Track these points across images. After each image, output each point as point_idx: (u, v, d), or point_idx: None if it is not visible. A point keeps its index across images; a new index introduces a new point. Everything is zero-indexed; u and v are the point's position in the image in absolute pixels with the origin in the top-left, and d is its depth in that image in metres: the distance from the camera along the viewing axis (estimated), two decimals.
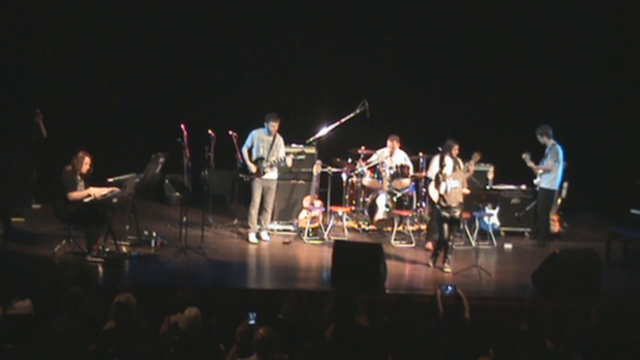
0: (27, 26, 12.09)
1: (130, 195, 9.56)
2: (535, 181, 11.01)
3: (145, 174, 9.75)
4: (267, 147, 10.54)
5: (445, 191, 9.42)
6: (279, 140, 10.62)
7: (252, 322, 5.82)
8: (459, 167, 9.57)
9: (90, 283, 7.20)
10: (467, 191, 9.54)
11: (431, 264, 9.63)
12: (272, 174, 10.59)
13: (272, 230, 10.95)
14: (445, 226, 9.45)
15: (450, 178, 9.44)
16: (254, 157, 10.53)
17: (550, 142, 10.83)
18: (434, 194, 10.47)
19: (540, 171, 10.87)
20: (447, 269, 9.46)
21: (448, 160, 9.58)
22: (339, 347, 5.83)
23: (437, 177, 9.55)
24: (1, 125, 11.63)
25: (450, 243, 9.51)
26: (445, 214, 9.42)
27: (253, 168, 10.47)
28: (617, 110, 12.89)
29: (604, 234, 10.40)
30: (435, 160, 10.56)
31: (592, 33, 13.05)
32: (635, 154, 12.30)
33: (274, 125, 10.49)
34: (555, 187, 10.92)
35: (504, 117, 12.87)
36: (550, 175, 10.81)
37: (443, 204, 9.45)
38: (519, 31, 12.93)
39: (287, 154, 10.69)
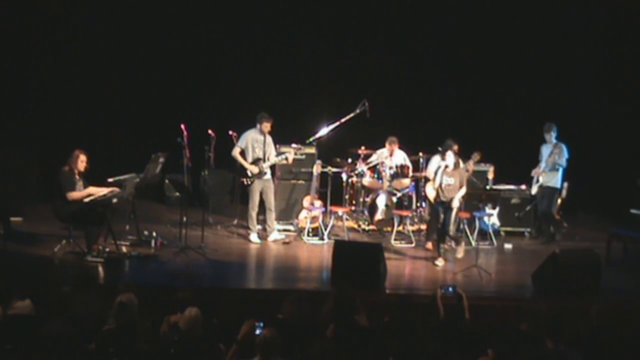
0: (27, 25, 12.08)
1: (130, 195, 9.56)
2: (540, 180, 10.95)
3: (145, 174, 9.75)
4: (262, 147, 10.53)
5: (440, 185, 9.47)
6: (269, 139, 10.61)
7: (258, 332, 5.80)
8: (459, 166, 9.60)
9: (88, 283, 7.19)
10: (463, 190, 9.58)
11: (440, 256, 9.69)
12: (268, 174, 10.61)
13: None
14: (441, 213, 9.58)
15: (447, 174, 9.48)
16: (250, 159, 10.51)
17: (553, 141, 10.84)
18: (430, 194, 10.54)
19: (542, 170, 10.86)
20: (439, 263, 9.56)
21: (450, 155, 9.59)
22: (339, 347, 5.82)
23: (437, 170, 9.59)
24: (1, 125, 11.64)
25: (456, 233, 9.53)
26: (440, 209, 9.58)
27: (255, 169, 10.46)
28: (617, 110, 12.88)
29: (604, 234, 10.38)
30: (435, 160, 10.59)
31: (592, 33, 13.04)
32: (635, 154, 12.29)
33: (267, 126, 10.48)
34: (559, 185, 10.95)
35: (503, 117, 12.86)
36: (556, 174, 10.81)
37: (440, 198, 9.54)
38: (519, 31, 12.91)
39: (281, 153, 10.71)
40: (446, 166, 9.55)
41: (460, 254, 9.54)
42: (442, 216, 9.61)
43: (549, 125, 10.91)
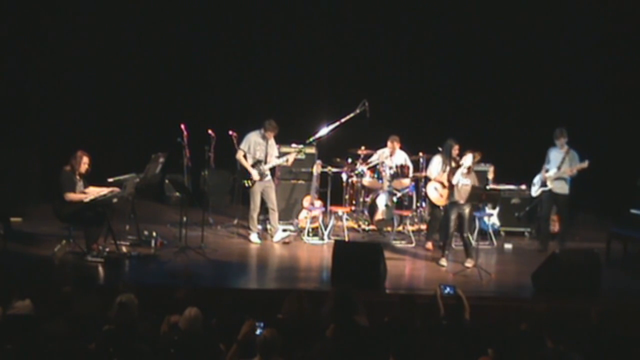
0: (27, 26, 12.08)
1: (130, 195, 9.56)
2: (549, 185, 10.81)
3: (145, 174, 9.75)
4: (263, 151, 10.53)
5: (457, 185, 9.48)
6: (272, 141, 10.63)
7: (258, 332, 5.80)
8: (473, 169, 9.65)
9: (88, 283, 7.20)
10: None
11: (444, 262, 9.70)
12: (268, 175, 10.63)
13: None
14: (452, 221, 9.56)
15: (464, 175, 9.50)
16: (251, 161, 10.51)
17: (566, 146, 10.71)
18: (432, 194, 10.53)
19: (552, 175, 10.72)
20: (443, 263, 9.60)
21: (469, 157, 9.59)
22: (339, 347, 5.83)
23: (454, 167, 9.63)
24: (2, 126, 11.64)
25: (465, 239, 9.63)
26: (454, 209, 9.53)
27: (256, 175, 10.45)
28: (618, 110, 12.88)
29: (604, 234, 10.38)
30: (436, 160, 10.58)
31: (593, 33, 13.03)
32: (635, 154, 12.29)
33: (270, 135, 10.50)
34: (568, 191, 10.80)
35: (503, 117, 12.87)
36: (565, 180, 10.70)
37: (452, 199, 9.54)
38: (520, 31, 12.91)
39: (284, 154, 10.72)
40: (468, 167, 9.55)
41: (469, 263, 9.55)
42: (452, 217, 9.57)
43: (561, 130, 10.64)
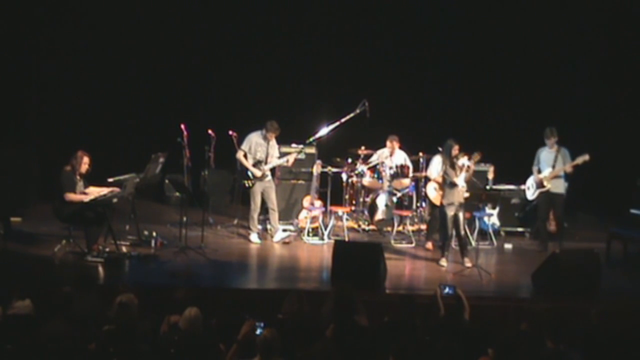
0: (27, 26, 12.08)
1: (130, 195, 9.56)
2: (547, 185, 10.75)
3: (145, 174, 9.76)
4: (264, 151, 10.54)
5: (457, 185, 9.49)
6: (273, 142, 10.64)
7: (258, 332, 5.81)
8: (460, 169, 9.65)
9: (88, 283, 7.19)
10: (466, 194, 9.64)
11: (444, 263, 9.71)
12: (268, 175, 10.64)
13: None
14: (449, 222, 9.59)
15: (462, 177, 9.52)
16: (251, 161, 10.51)
17: (556, 145, 10.66)
18: (432, 194, 10.54)
19: (547, 175, 10.67)
20: (443, 263, 9.62)
21: (465, 158, 9.61)
22: (339, 347, 5.83)
23: (453, 166, 9.60)
24: (2, 125, 11.64)
25: (463, 240, 9.71)
26: (451, 210, 9.57)
27: (258, 173, 10.46)
28: (617, 110, 12.88)
29: (604, 234, 10.38)
30: (436, 160, 10.58)
31: (592, 33, 13.04)
32: (635, 154, 12.29)
33: (272, 136, 10.51)
34: (564, 190, 10.77)
35: (503, 117, 12.87)
36: (561, 179, 10.65)
37: (448, 199, 9.56)
38: (519, 31, 12.92)
39: (284, 154, 10.73)
40: (463, 165, 9.56)
41: (468, 262, 9.56)
42: (449, 217, 9.58)
43: (551, 130, 10.59)
